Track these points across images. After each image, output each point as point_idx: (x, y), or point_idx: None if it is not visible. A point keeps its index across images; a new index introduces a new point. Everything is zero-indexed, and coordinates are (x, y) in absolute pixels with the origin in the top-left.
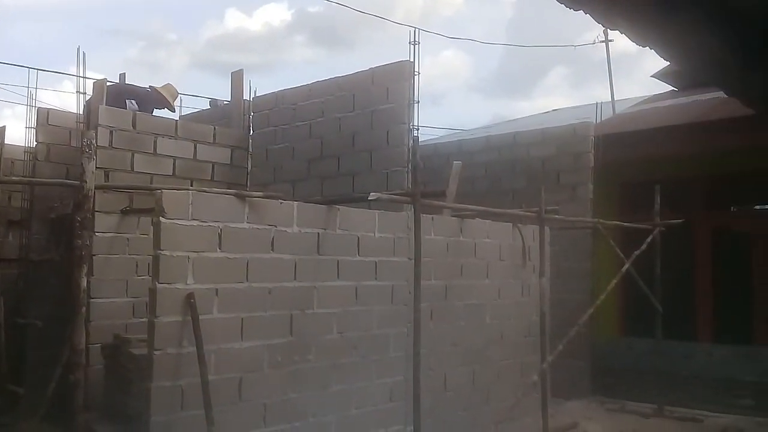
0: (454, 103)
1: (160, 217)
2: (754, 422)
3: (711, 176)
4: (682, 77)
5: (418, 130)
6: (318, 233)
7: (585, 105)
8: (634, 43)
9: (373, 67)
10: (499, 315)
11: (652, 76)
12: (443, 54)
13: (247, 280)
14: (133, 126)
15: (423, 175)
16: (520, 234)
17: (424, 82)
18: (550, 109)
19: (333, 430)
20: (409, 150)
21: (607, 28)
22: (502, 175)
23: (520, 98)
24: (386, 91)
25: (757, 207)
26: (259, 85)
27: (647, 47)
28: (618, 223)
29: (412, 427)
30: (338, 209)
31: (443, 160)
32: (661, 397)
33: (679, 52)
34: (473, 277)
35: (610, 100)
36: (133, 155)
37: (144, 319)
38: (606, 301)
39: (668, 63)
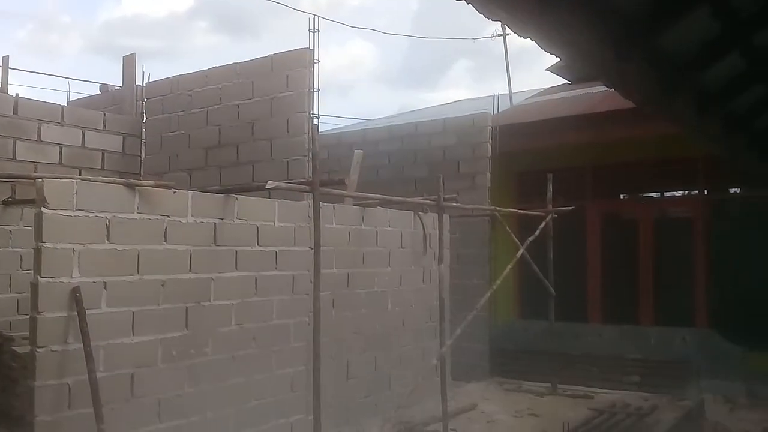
0: (361, 94)
1: (42, 208)
2: (640, 397)
3: (601, 165)
4: (573, 70)
5: (318, 118)
6: (214, 223)
7: (486, 97)
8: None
9: (272, 54)
10: (401, 302)
11: (546, 70)
12: (350, 45)
13: (138, 273)
14: (15, 111)
15: (327, 165)
16: (421, 222)
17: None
18: (453, 101)
19: (232, 424)
20: (309, 138)
21: (489, 19)
22: (405, 164)
23: (425, 90)
24: (286, 78)
25: (643, 195)
26: (159, 72)
27: (528, 38)
28: (513, 210)
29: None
30: (236, 198)
31: (347, 149)
32: (555, 376)
33: (558, 46)
34: (375, 265)
35: (509, 92)
36: (15, 142)
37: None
38: (504, 285)
39: None
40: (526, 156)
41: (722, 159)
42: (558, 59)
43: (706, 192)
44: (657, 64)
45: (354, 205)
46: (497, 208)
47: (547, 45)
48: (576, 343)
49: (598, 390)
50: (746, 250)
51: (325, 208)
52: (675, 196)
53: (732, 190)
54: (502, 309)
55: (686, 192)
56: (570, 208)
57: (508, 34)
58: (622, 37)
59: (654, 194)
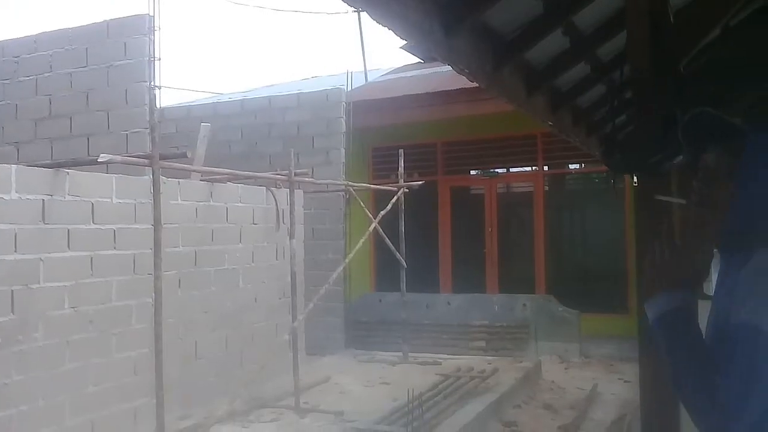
0: (213, 67)
1: None
2: (485, 361)
3: (450, 142)
4: (421, 49)
5: (160, 89)
6: (43, 200)
7: (343, 73)
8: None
9: (108, 19)
10: (253, 279)
11: (400, 48)
12: (202, 15)
13: None
14: None
15: (175, 139)
16: (274, 197)
17: (177, 42)
18: (310, 76)
19: (68, 411)
20: (150, 110)
21: None
22: (258, 139)
23: (281, 64)
24: (123, 45)
25: (490, 170)
26: None
27: (360, 10)
28: (366, 185)
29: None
30: (67, 173)
31: (197, 123)
32: (406, 345)
33: (389, 18)
34: (225, 242)
35: (372, 70)
36: None
37: None
38: (359, 259)
39: None
40: (380, 132)
41: (556, 135)
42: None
43: (545, 168)
44: (485, 40)
45: (202, 180)
46: (350, 183)
47: (379, 17)
48: (427, 312)
49: (446, 356)
50: (580, 222)
51: (171, 183)
52: (518, 171)
53: (572, 166)
54: (358, 282)
55: (528, 167)
56: (420, 182)
57: (362, 10)
58: (449, 12)
59: (500, 170)
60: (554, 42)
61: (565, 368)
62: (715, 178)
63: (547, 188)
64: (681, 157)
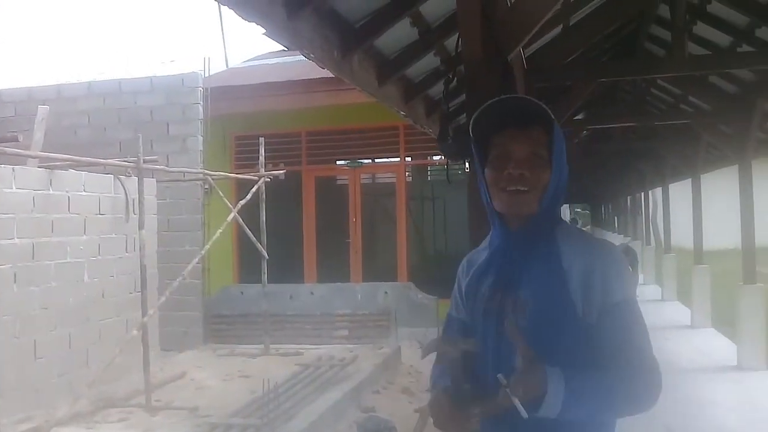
0: (58, 53)
1: None
2: (346, 349)
3: (315, 131)
4: None
5: None
6: None
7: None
8: None
9: None
10: (100, 272)
11: (263, 34)
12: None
13: None
14: None
15: (14, 123)
16: (123, 186)
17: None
18: (169, 61)
19: None
20: None
21: None
22: (108, 124)
23: (141, 49)
24: None
25: (355, 160)
26: None
27: None
28: (224, 174)
29: None
30: None
31: (38, 106)
32: (268, 337)
33: (233, 3)
34: (67, 234)
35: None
36: None
37: None
38: (220, 250)
39: None
40: (242, 120)
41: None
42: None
43: (408, 158)
44: (332, 26)
45: (40, 167)
46: (207, 171)
47: (227, 3)
48: (291, 303)
49: (308, 346)
50: (441, 211)
51: (4, 170)
52: (382, 161)
53: (435, 157)
54: (219, 275)
55: (392, 158)
56: (282, 171)
57: None
58: None
59: (365, 160)
60: (403, 32)
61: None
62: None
63: (409, 179)
64: None
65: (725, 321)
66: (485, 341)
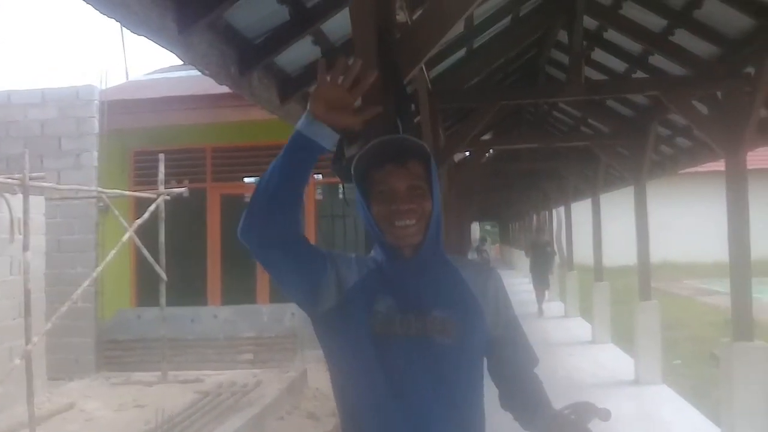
0: None
1: None
2: (251, 374)
3: (220, 147)
4: None
5: None
6: None
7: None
8: None
9: None
10: None
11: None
12: None
13: None
14: None
15: None
16: (7, 204)
17: None
18: (54, 68)
19: None
20: None
21: None
22: None
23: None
24: None
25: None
26: None
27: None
28: (120, 192)
29: None
30: None
31: None
32: (167, 363)
33: (111, 8)
34: None
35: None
36: None
37: None
38: (116, 273)
39: None
40: (142, 135)
41: None
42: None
43: (319, 176)
44: (229, 41)
45: None
46: (101, 189)
47: (104, 8)
48: (192, 326)
49: (211, 372)
50: (353, 228)
51: None
52: None
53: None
54: (115, 298)
55: None
56: (182, 189)
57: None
58: (185, 8)
59: None
60: (306, 50)
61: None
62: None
63: (320, 196)
64: None
65: (624, 336)
66: (378, 361)
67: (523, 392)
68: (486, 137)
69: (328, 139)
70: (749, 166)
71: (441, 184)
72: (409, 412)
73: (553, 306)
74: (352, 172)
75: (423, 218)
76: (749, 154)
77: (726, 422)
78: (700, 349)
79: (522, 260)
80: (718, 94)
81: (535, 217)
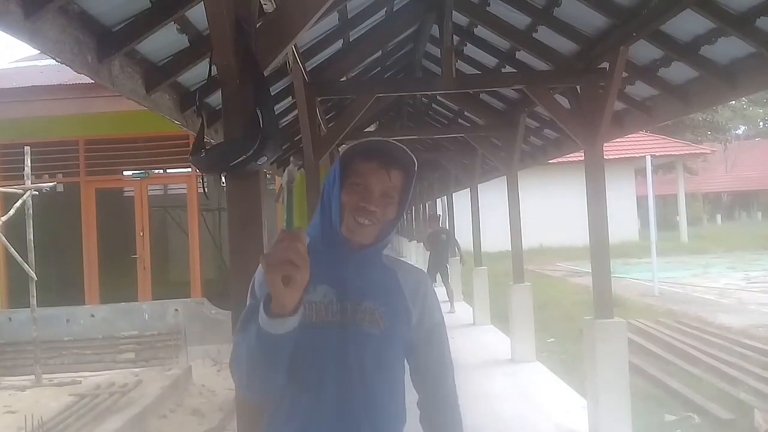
0: None
1: None
2: (132, 373)
3: (95, 140)
4: None
5: None
6: None
7: None
8: None
9: None
10: None
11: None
12: None
13: None
14: None
15: None
16: None
17: None
18: None
19: None
20: None
21: None
22: None
23: None
24: None
25: (143, 170)
26: None
27: None
28: None
29: None
30: None
31: None
32: (40, 366)
33: None
34: None
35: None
36: None
37: None
38: None
39: None
40: (6, 126)
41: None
42: None
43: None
44: (83, 28)
45: None
46: None
47: None
48: (68, 327)
49: (88, 373)
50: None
51: None
52: (174, 172)
53: None
54: None
55: (184, 168)
56: (51, 183)
57: None
58: None
59: (156, 170)
60: (172, 38)
61: (218, 370)
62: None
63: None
64: (265, 158)
65: (502, 318)
66: (321, 344)
67: (437, 413)
68: (370, 129)
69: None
70: (606, 156)
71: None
72: (335, 396)
73: (437, 291)
74: (339, 154)
75: (381, 223)
76: (605, 145)
77: (590, 393)
78: (571, 327)
79: (412, 248)
80: (578, 88)
81: (423, 207)
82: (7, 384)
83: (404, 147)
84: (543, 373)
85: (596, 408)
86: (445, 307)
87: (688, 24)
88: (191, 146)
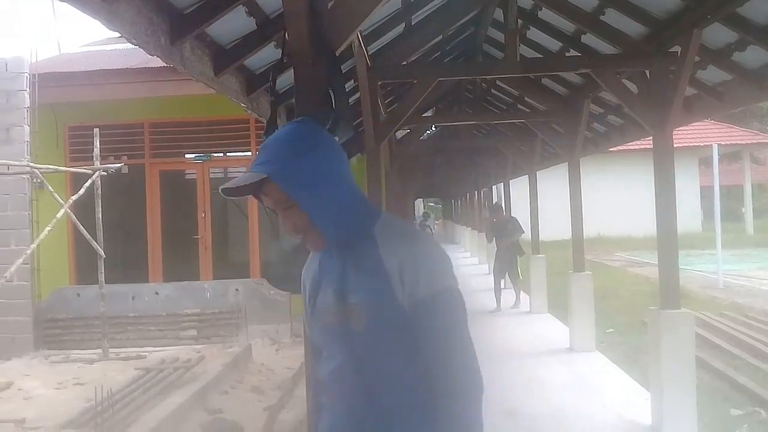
0: None
1: None
2: (194, 350)
3: (159, 122)
4: None
5: None
6: None
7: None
8: None
9: None
10: None
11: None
12: None
13: None
14: None
15: None
16: None
17: None
18: None
19: None
20: None
21: None
22: None
23: None
24: None
25: (204, 153)
26: None
27: None
28: (54, 167)
29: None
30: None
31: None
32: (107, 341)
33: None
34: None
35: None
36: None
37: None
38: (54, 250)
39: None
40: (76, 109)
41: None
42: None
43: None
44: (157, 10)
45: None
46: (34, 165)
47: None
48: (133, 304)
49: (152, 349)
50: None
51: None
52: (234, 155)
53: None
54: (53, 276)
55: (243, 152)
56: (119, 165)
57: None
58: None
59: (217, 153)
60: (240, 21)
61: (276, 349)
62: None
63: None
64: (337, 138)
65: (560, 307)
66: (328, 346)
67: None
68: (427, 114)
69: None
70: (675, 145)
71: (319, 187)
72: (337, 401)
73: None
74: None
75: (308, 226)
76: (675, 131)
77: (655, 386)
78: (631, 318)
79: (467, 234)
80: (647, 72)
81: (478, 194)
82: (75, 357)
83: (242, 176)
84: (603, 363)
85: (660, 400)
86: (509, 302)
87: (766, 5)
88: (265, 126)
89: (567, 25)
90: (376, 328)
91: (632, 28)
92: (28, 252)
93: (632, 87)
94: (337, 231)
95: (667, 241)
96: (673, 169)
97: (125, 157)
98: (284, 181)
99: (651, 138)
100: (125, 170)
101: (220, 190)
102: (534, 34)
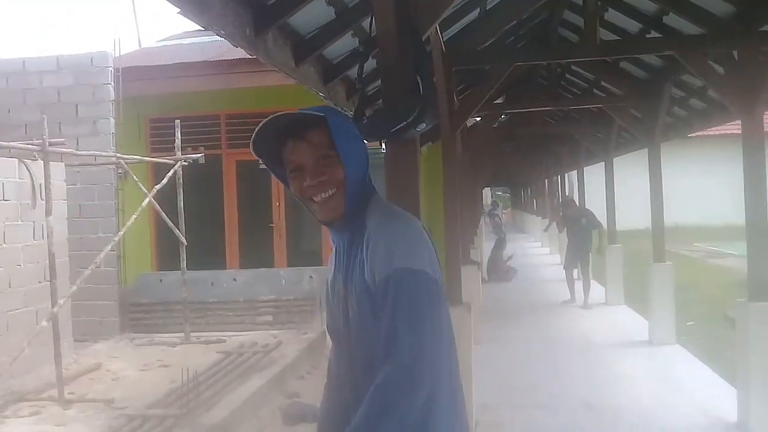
0: None
1: None
2: (271, 335)
3: (234, 114)
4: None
5: None
6: None
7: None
8: None
9: None
10: (6, 261)
11: (178, 13)
12: None
13: None
14: None
15: None
16: (28, 170)
17: None
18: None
19: None
20: None
21: None
22: (12, 105)
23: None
24: None
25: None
26: None
27: None
28: (138, 158)
29: None
30: None
31: None
32: (188, 325)
33: None
34: None
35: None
36: None
37: None
38: (137, 237)
39: None
40: (156, 101)
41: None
42: None
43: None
44: (242, 1)
45: None
46: (119, 155)
47: None
48: (212, 290)
49: (231, 333)
50: None
51: None
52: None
53: None
54: (137, 262)
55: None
56: (199, 155)
57: None
58: None
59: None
60: (320, 11)
61: None
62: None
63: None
64: (424, 125)
65: (637, 298)
66: (334, 333)
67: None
68: (499, 101)
69: None
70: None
71: (358, 147)
72: (341, 389)
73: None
74: (252, 152)
75: (341, 187)
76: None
77: (742, 381)
78: (713, 311)
79: (537, 223)
80: (734, 53)
81: (548, 181)
82: (159, 340)
83: (301, 110)
84: (684, 356)
85: (747, 396)
86: (578, 302)
87: None
88: (354, 112)
89: (648, 6)
90: (361, 314)
91: (719, 6)
92: (116, 239)
93: (718, 68)
94: (358, 196)
95: (757, 230)
96: (764, 152)
97: (203, 147)
98: (337, 127)
99: (732, 123)
100: (203, 161)
101: (252, 138)
102: (612, 15)
